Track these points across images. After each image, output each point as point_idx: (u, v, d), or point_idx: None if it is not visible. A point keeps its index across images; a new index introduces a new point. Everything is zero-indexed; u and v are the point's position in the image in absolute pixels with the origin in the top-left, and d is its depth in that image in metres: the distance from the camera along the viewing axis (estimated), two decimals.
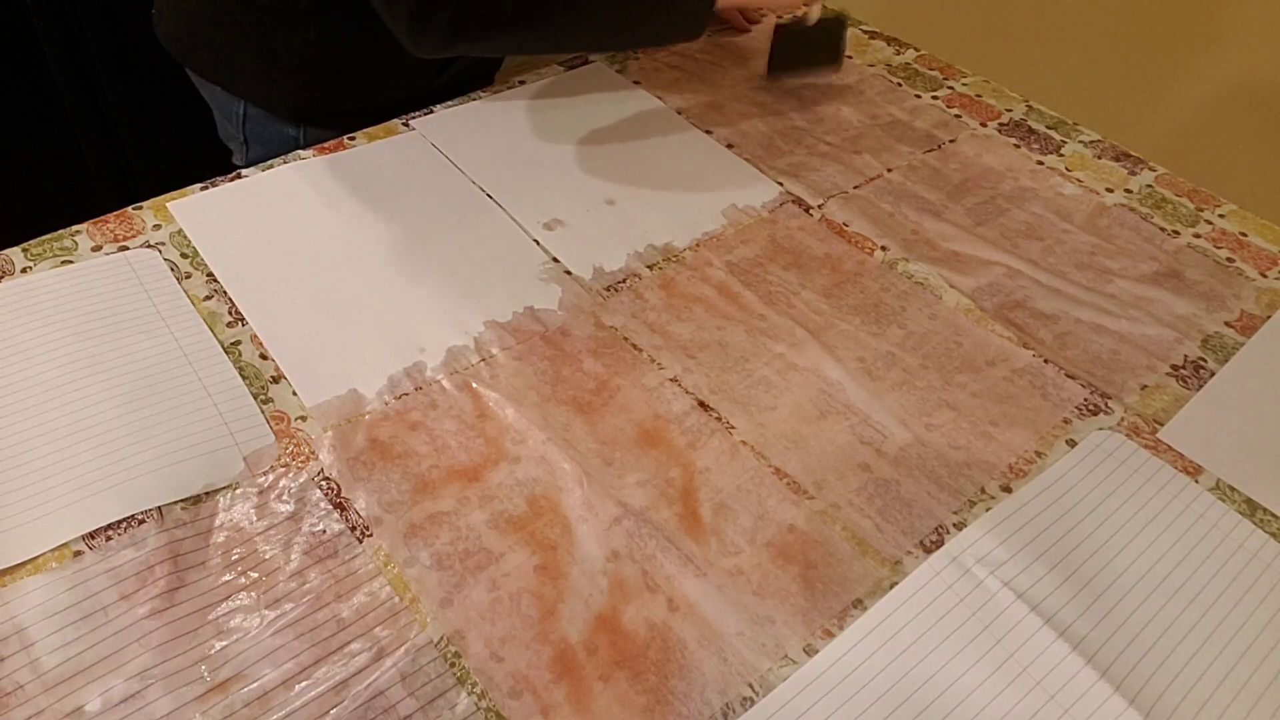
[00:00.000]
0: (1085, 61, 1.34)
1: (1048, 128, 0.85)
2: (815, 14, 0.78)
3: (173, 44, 0.82)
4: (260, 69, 0.78)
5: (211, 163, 0.89)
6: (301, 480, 0.52)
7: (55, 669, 0.43)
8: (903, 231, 0.72)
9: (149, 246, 0.64)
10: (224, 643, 0.45)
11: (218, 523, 0.49)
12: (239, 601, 0.46)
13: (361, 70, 0.79)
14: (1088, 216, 0.75)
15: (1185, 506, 0.54)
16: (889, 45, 0.95)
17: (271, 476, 0.52)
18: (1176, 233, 0.74)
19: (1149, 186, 0.79)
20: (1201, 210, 0.77)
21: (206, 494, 0.50)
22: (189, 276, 0.62)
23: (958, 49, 1.00)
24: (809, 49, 0.81)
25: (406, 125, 0.78)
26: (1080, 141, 0.83)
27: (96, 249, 0.63)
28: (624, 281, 0.66)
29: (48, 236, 0.64)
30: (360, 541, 0.49)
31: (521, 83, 0.84)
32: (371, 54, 0.77)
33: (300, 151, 0.74)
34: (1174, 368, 0.63)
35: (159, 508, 0.49)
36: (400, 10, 0.61)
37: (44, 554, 0.47)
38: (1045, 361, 0.63)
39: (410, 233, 0.68)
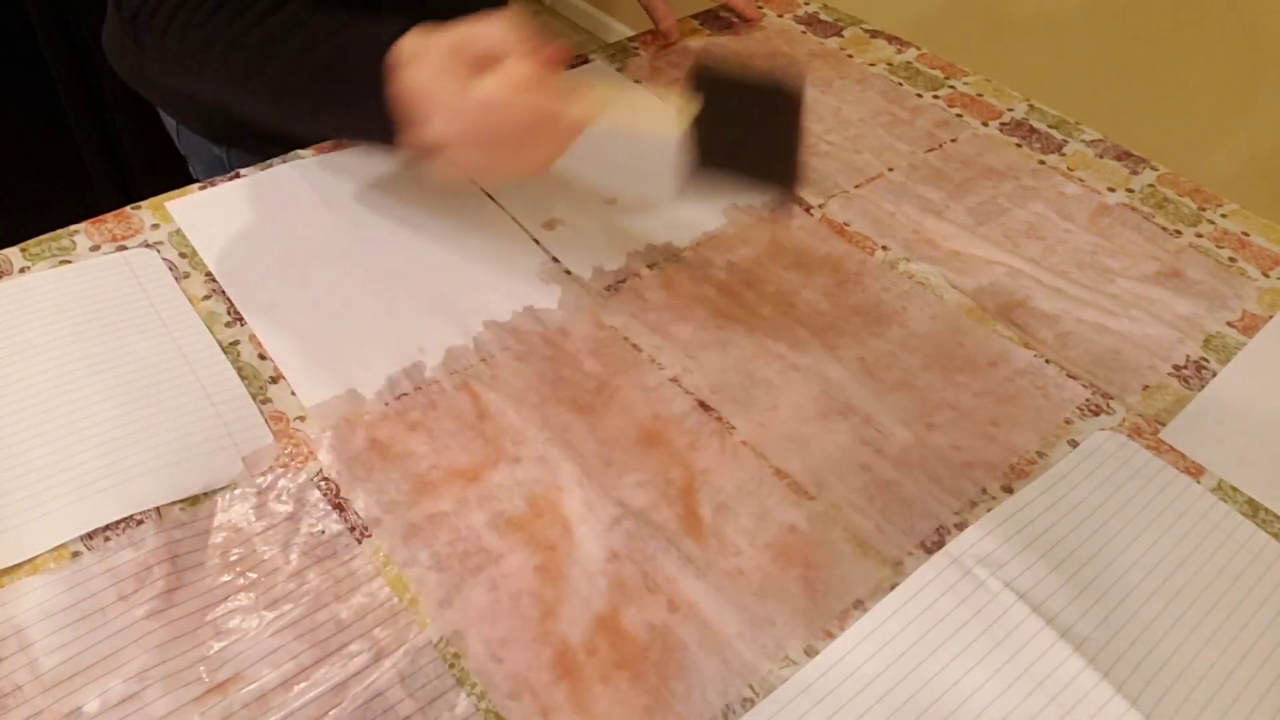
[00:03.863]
0: (1087, 60, 1.34)
1: (1049, 127, 0.85)
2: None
3: (113, 60, 0.80)
4: (171, 88, 0.76)
5: None
6: (300, 481, 0.51)
7: (53, 670, 0.43)
8: (904, 231, 0.72)
9: (147, 246, 0.64)
10: (222, 643, 0.44)
11: (216, 523, 0.49)
12: (237, 602, 0.46)
13: None
14: (1089, 216, 0.75)
15: (1187, 507, 0.54)
16: (890, 44, 0.95)
17: (270, 477, 0.51)
18: (1178, 232, 0.74)
19: (1151, 186, 0.79)
20: (1204, 210, 0.77)
21: (205, 494, 0.50)
22: (187, 276, 0.62)
23: (959, 48, 1.00)
24: (745, 133, 0.49)
25: None
26: (1082, 141, 0.83)
27: (95, 249, 0.63)
28: (624, 281, 0.66)
29: (45, 236, 0.64)
30: (359, 542, 0.49)
31: None
32: None
33: (299, 151, 0.73)
34: (1176, 368, 0.63)
35: (157, 508, 0.49)
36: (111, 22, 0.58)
37: (42, 555, 0.47)
38: (1047, 362, 0.63)
39: (409, 232, 0.67)
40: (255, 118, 0.62)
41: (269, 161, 0.72)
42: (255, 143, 0.75)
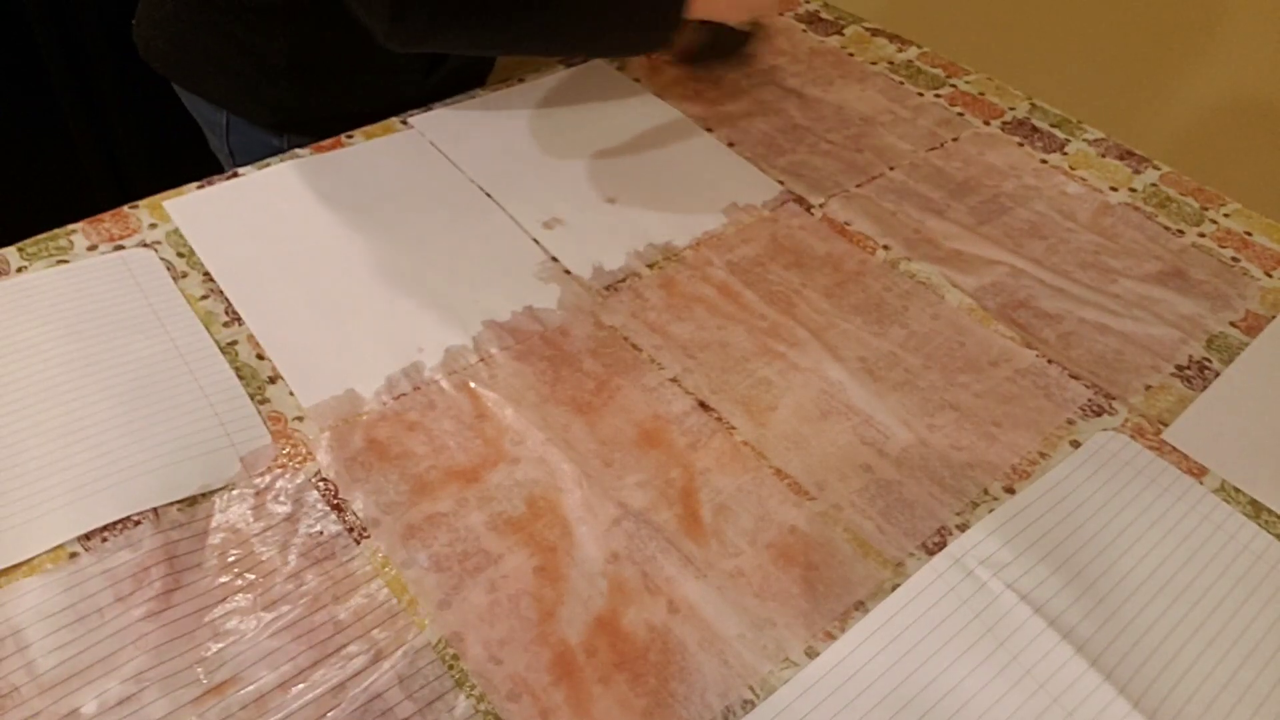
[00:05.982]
0: (1089, 59, 1.33)
1: (1051, 126, 0.84)
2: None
3: (153, 56, 0.81)
4: (239, 75, 0.77)
5: (207, 161, 0.89)
6: (298, 481, 0.51)
7: (51, 671, 0.43)
8: (905, 230, 0.72)
9: (145, 246, 0.64)
10: (220, 645, 0.44)
11: (214, 524, 0.49)
12: (235, 603, 0.46)
13: (342, 73, 0.78)
14: (1092, 215, 0.75)
15: (1190, 508, 0.54)
16: (891, 43, 0.94)
17: (268, 477, 0.51)
18: (1181, 232, 0.74)
19: (1153, 185, 0.78)
20: (1206, 209, 0.76)
21: (203, 495, 0.50)
22: (185, 276, 0.62)
23: (961, 47, 1.00)
24: (726, 43, 0.88)
25: (405, 123, 0.77)
26: (1084, 140, 0.83)
27: (92, 248, 0.63)
28: (624, 281, 0.65)
29: (43, 236, 0.63)
30: (358, 543, 0.49)
31: (521, 80, 0.84)
32: (351, 56, 0.75)
33: (298, 150, 0.73)
34: (1179, 368, 0.63)
35: (155, 509, 0.49)
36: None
37: (39, 556, 0.46)
38: (1049, 362, 0.62)
39: (408, 231, 0.67)
40: (534, 42, 0.68)
41: (267, 161, 0.72)
42: (321, 125, 0.77)
